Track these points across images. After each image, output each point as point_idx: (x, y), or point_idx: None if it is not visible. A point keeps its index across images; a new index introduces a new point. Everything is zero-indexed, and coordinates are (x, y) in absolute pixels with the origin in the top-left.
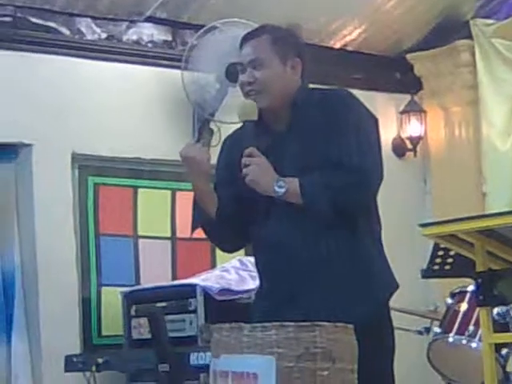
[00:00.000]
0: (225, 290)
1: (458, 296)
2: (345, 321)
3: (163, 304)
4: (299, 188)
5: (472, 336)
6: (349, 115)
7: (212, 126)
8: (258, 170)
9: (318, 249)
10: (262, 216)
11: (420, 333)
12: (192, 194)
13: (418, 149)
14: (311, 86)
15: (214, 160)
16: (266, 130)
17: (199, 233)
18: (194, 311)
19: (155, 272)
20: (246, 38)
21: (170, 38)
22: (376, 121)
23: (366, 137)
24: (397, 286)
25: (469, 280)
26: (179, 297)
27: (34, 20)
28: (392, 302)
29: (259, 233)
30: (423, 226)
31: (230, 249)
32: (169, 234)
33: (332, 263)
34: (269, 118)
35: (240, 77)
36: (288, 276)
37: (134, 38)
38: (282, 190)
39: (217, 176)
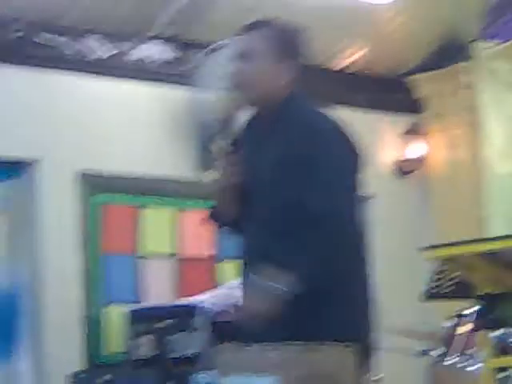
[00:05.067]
0: (227, 310)
1: (458, 319)
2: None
3: (166, 323)
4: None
5: (471, 359)
6: (308, 151)
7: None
8: None
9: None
10: (244, 216)
11: (419, 355)
12: (197, 213)
13: (419, 170)
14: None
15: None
16: (259, 124)
17: (202, 252)
18: (196, 330)
19: (158, 290)
20: (246, 28)
21: (176, 57)
22: (345, 155)
23: (324, 176)
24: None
25: (468, 303)
26: (182, 316)
27: (41, 37)
28: (391, 324)
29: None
30: (425, 249)
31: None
32: (172, 253)
33: None
34: (259, 113)
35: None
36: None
37: (140, 56)
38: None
39: None
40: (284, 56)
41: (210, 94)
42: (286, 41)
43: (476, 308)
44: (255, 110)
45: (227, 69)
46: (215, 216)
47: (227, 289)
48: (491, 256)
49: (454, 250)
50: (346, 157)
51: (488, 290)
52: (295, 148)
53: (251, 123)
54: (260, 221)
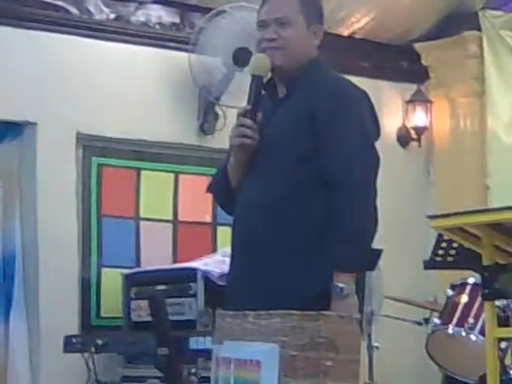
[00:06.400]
0: (225, 275)
1: (459, 288)
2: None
3: (163, 287)
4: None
5: (471, 328)
6: (341, 120)
7: (217, 110)
8: None
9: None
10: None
11: (419, 323)
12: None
13: (423, 139)
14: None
15: (220, 144)
16: (272, 93)
17: (201, 217)
18: (194, 295)
19: (156, 255)
20: None
21: (178, 21)
22: (375, 133)
23: (353, 144)
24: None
25: (469, 272)
26: (179, 280)
27: None
28: (392, 292)
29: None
30: (432, 217)
31: None
32: (171, 217)
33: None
34: (277, 80)
35: (260, 33)
36: (246, 247)
37: (143, 19)
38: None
39: None
40: (313, 21)
41: (214, 57)
42: (313, 6)
43: (482, 278)
44: (276, 73)
45: (229, 34)
46: (213, 187)
47: (222, 255)
48: (497, 226)
49: (462, 220)
50: (373, 125)
51: (492, 261)
52: (329, 105)
53: (268, 87)
54: (274, 175)
